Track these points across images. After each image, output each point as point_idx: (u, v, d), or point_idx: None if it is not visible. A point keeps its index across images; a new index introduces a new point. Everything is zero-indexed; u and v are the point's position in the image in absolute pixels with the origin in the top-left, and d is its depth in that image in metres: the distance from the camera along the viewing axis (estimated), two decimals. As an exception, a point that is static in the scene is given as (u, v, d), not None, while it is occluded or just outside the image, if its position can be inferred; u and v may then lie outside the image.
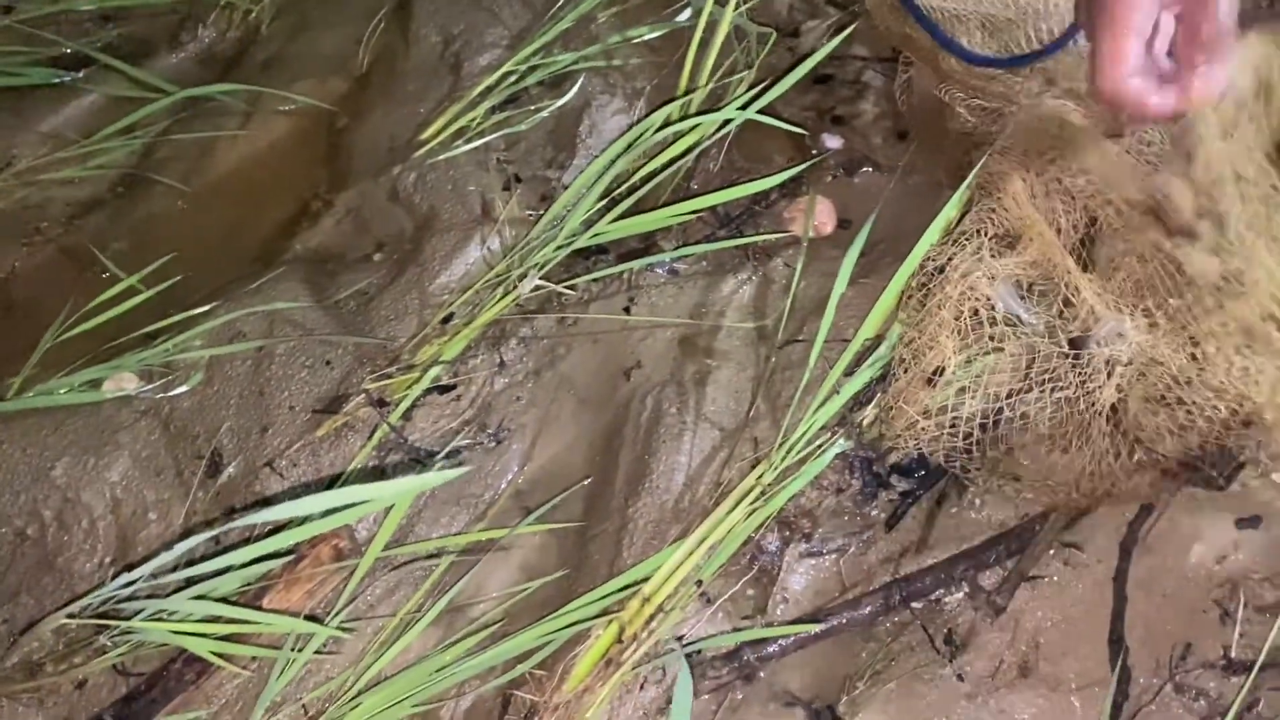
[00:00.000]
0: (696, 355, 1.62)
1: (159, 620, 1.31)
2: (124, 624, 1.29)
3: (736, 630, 1.38)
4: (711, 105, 1.81)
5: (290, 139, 2.10)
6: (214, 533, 1.19)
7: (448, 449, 1.57)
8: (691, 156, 1.77)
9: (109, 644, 1.41)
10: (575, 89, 1.95)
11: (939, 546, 1.40)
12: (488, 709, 1.39)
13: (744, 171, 1.82)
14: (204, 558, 1.30)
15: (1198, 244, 1.10)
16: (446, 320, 1.69)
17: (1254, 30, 1.00)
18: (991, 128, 1.43)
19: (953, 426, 1.32)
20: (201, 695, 1.39)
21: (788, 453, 1.41)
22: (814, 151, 1.82)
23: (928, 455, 1.38)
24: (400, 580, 1.48)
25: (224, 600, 1.35)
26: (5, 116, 2.08)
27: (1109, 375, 1.21)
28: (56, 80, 2.16)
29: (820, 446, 1.43)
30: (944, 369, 1.30)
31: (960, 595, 1.37)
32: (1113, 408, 1.28)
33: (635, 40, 1.98)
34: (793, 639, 1.36)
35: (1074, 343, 1.24)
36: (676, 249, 1.73)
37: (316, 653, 1.36)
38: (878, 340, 1.46)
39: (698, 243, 1.74)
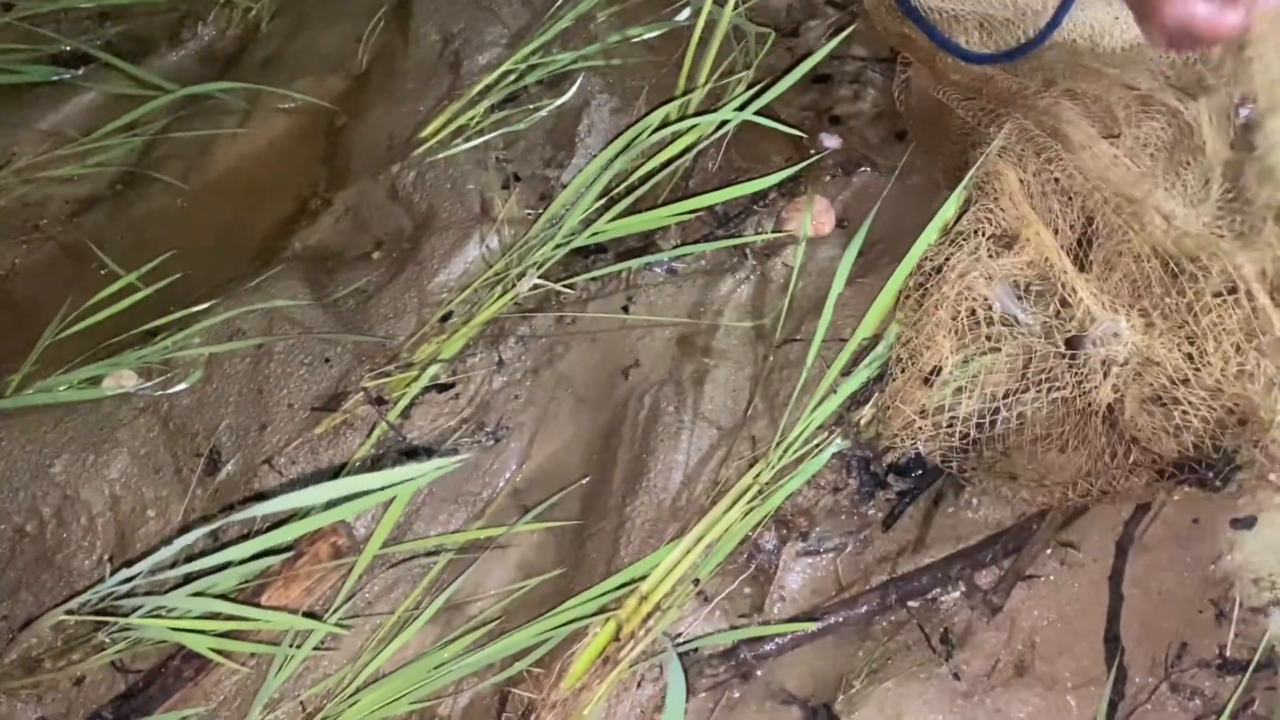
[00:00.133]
0: (694, 354, 1.63)
1: (158, 617, 1.31)
2: (123, 620, 1.29)
3: (734, 628, 1.38)
4: (710, 105, 1.81)
5: (289, 137, 2.10)
6: (212, 527, 1.20)
7: (446, 447, 1.58)
8: (690, 156, 1.78)
9: (107, 640, 1.41)
10: (574, 88, 1.96)
11: (936, 546, 1.40)
12: (485, 706, 1.39)
13: (742, 171, 1.83)
14: (202, 554, 1.30)
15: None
16: (445, 318, 1.69)
17: None
18: (989, 128, 1.43)
19: (950, 426, 1.33)
20: (200, 692, 1.40)
21: (785, 452, 1.41)
22: (812, 151, 1.83)
23: (925, 455, 1.39)
24: (398, 578, 1.48)
25: (222, 597, 1.35)
26: (5, 114, 2.09)
27: (1105, 375, 1.22)
28: (56, 78, 2.17)
29: (818, 446, 1.43)
30: (941, 369, 1.30)
31: (957, 594, 1.38)
32: (1109, 408, 1.28)
33: (634, 40, 1.99)
34: (789, 637, 1.37)
35: (1070, 343, 1.25)
36: (675, 248, 1.74)
37: (315, 649, 1.37)
38: (875, 340, 1.46)
39: (696, 242, 1.75)
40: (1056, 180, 1.28)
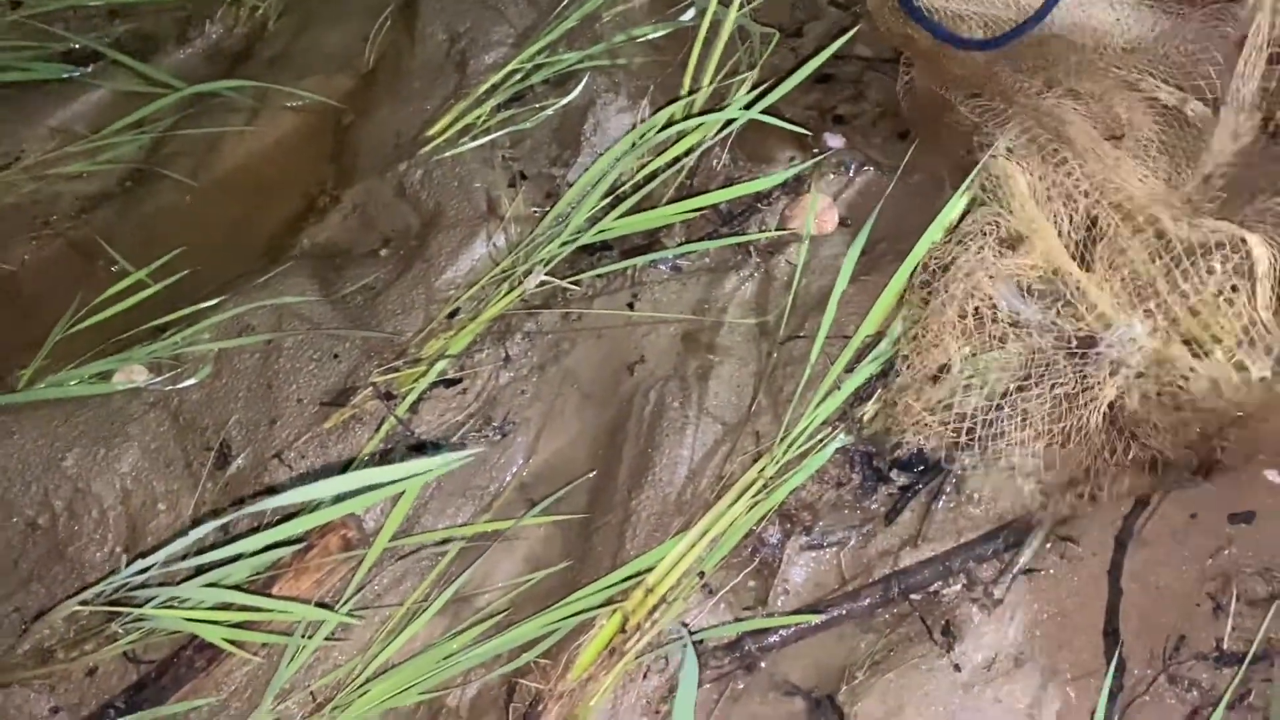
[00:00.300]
0: (699, 351, 1.65)
1: (171, 608, 1.32)
2: (138, 610, 1.31)
3: (738, 621, 1.40)
4: (715, 104, 1.83)
5: (297, 135, 2.12)
6: (226, 520, 1.21)
7: (453, 442, 1.59)
8: (695, 155, 1.80)
9: (120, 631, 1.43)
10: (580, 87, 1.97)
11: (937, 540, 1.42)
12: (493, 697, 1.41)
13: (746, 170, 1.84)
14: (213, 547, 1.32)
15: None
16: (452, 315, 1.71)
17: None
18: (995, 129, 1.45)
19: (957, 422, 1.34)
20: (211, 682, 1.41)
21: (789, 447, 1.43)
22: (816, 150, 1.84)
23: (927, 450, 1.41)
24: (407, 570, 1.50)
25: (235, 588, 1.37)
26: (14, 111, 2.11)
27: (1112, 374, 1.23)
28: (65, 75, 2.18)
29: (821, 441, 1.45)
30: (949, 366, 1.32)
31: (958, 587, 1.40)
32: (1110, 404, 1.30)
33: (639, 39, 2.00)
34: (793, 629, 1.38)
35: (1083, 342, 1.27)
36: (679, 246, 1.76)
37: (325, 640, 1.38)
38: (878, 337, 1.48)
39: (700, 240, 1.76)
40: (1061, 181, 1.30)
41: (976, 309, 1.28)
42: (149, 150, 2.10)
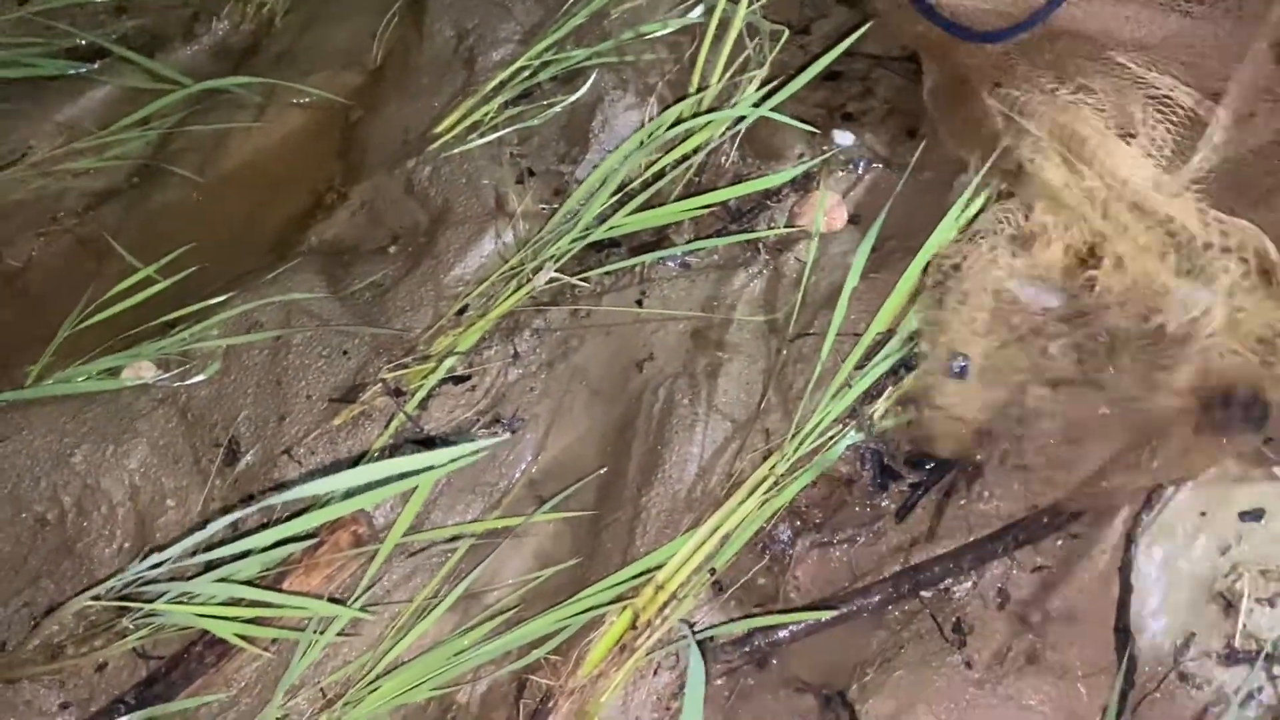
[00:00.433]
0: (708, 348, 1.65)
1: (181, 603, 1.32)
2: (148, 606, 1.31)
3: (748, 617, 1.40)
4: (723, 101, 1.83)
5: (304, 132, 2.12)
6: (238, 515, 1.21)
7: (463, 438, 1.59)
8: (704, 152, 1.79)
9: (130, 627, 1.43)
10: (588, 84, 1.97)
11: (948, 537, 1.42)
12: (504, 693, 1.41)
13: (755, 167, 1.84)
14: (222, 543, 1.32)
15: None
16: (461, 312, 1.71)
17: None
18: (1019, 123, 1.42)
19: (981, 418, 1.33)
20: (222, 678, 1.41)
21: (800, 444, 1.43)
22: (825, 147, 1.84)
23: (939, 447, 1.41)
24: (417, 566, 1.50)
25: (246, 584, 1.37)
26: (21, 107, 2.11)
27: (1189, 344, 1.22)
28: (72, 71, 2.18)
29: (832, 438, 1.45)
30: (970, 361, 1.31)
31: (969, 584, 1.40)
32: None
33: (648, 36, 2.00)
34: (804, 626, 1.38)
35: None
36: (688, 243, 1.76)
37: (337, 635, 1.38)
38: (889, 334, 1.48)
39: (709, 237, 1.76)
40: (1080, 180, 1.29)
41: (1001, 301, 1.27)
42: (156, 146, 2.10)
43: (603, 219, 1.70)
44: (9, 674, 1.43)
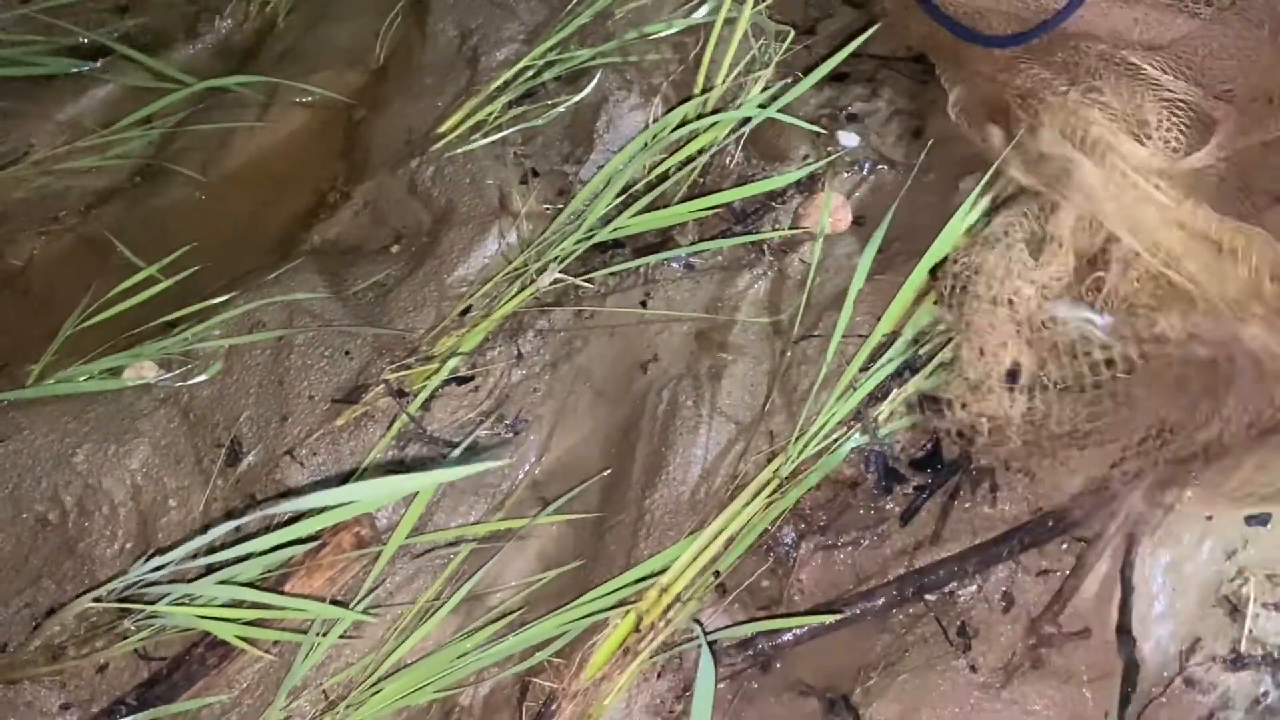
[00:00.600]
0: (712, 349, 1.64)
1: (183, 605, 1.32)
2: (150, 608, 1.31)
3: (752, 620, 1.40)
4: (728, 102, 1.82)
5: (307, 131, 2.12)
6: (242, 520, 1.21)
7: (466, 440, 1.59)
8: (708, 153, 1.79)
9: (132, 628, 1.42)
10: (592, 85, 1.96)
11: (953, 540, 1.42)
12: (506, 696, 1.40)
13: (760, 168, 1.84)
14: (224, 545, 1.32)
15: None
16: (465, 312, 1.70)
17: None
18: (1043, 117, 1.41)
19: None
20: (223, 679, 1.41)
21: (804, 446, 1.43)
22: (829, 149, 1.84)
23: (944, 450, 1.40)
24: (419, 569, 1.49)
25: (248, 586, 1.36)
26: (24, 106, 2.10)
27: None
28: (74, 70, 2.17)
29: (836, 441, 1.45)
30: (1020, 369, 1.30)
31: (974, 588, 1.39)
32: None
33: (652, 37, 1.99)
34: (808, 629, 1.38)
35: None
36: (693, 244, 1.75)
37: (339, 637, 1.38)
38: (894, 336, 1.48)
39: (714, 238, 1.76)
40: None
41: (1039, 321, 1.25)
42: (159, 145, 2.09)
43: (607, 220, 1.69)
44: (10, 675, 1.42)
